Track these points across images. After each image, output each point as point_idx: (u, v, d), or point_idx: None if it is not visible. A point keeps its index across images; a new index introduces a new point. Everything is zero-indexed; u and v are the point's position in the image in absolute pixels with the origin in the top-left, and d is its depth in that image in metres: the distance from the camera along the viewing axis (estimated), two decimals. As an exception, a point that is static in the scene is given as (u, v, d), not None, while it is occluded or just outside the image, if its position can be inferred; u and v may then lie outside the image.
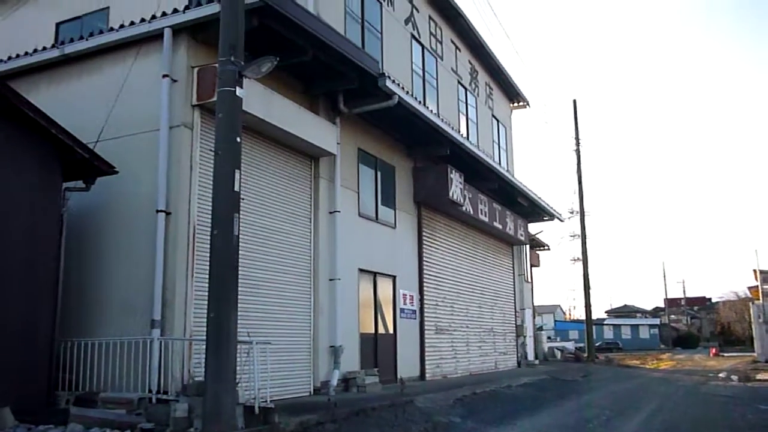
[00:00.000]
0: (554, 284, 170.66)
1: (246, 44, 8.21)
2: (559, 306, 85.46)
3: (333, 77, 12.66)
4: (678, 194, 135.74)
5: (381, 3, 16.40)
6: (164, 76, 10.10)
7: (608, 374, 24.69)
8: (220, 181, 7.83)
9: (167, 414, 7.95)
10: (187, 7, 10.26)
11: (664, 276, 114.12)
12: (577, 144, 35.22)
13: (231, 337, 7.50)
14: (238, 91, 7.96)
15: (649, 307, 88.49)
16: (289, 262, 12.18)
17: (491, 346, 21.61)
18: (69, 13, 14.32)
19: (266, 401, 8.47)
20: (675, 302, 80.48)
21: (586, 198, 38.51)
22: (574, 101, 43.42)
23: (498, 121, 25.14)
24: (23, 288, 8.84)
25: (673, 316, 78.70)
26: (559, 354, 33.58)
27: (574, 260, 36.49)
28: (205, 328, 7.74)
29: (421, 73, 18.43)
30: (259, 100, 10.68)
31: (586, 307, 34.56)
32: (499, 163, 21.97)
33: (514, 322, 24.10)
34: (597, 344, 42.23)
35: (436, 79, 19.49)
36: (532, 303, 28.12)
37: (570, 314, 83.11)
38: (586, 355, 34.21)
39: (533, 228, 27.44)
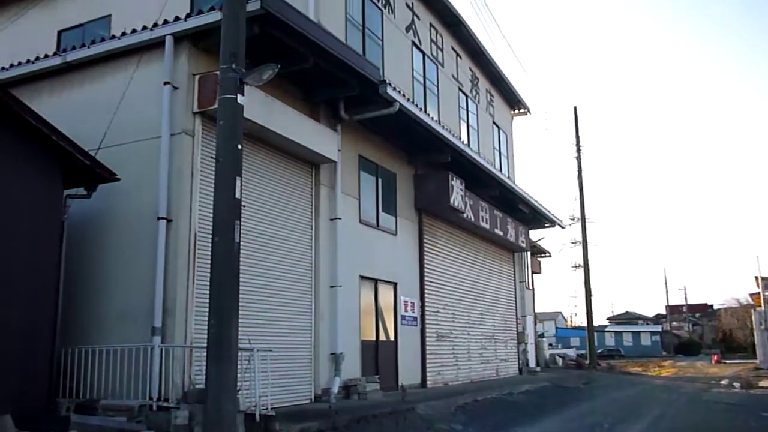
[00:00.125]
0: (556, 291, 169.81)
1: (247, 52, 8.22)
2: (561, 313, 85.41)
3: (334, 84, 12.69)
4: (679, 201, 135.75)
5: (382, 10, 16.45)
6: (165, 83, 10.12)
7: (610, 381, 24.64)
8: (221, 188, 7.82)
9: (168, 421, 7.95)
10: (188, 15, 10.32)
11: (666, 283, 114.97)
12: (578, 151, 35.30)
13: (232, 344, 7.48)
14: (239, 99, 7.96)
15: (650, 314, 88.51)
16: (289, 269, 12.17)
17: (492, 353, 21.56)
18: (71, 21, 14.42)
19: (267, 409, 8.48)
20: (677, 309, 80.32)
21: (587, 204, 38.50)
22: (575, 108, 43.63)
23: (499, 127, 25.19)
24: (24, 295, 8.81)
25: (674, 323, 78.49)
26: (560, 361, 33.52)
27: (576, 267, 36.41)
28: (206, 336, 7.71)
29: (422, 80, 18.46)
30: (260, 107, 10.69)
31: (587, 314, 34.53)
32: (500, 170, 22.01)
33: (515, 329, 24.04)
34: (598, 351, 42.10)
35: (437, 86, 19.54)
36: (534, 310, 28.11)
37: (571, 321, 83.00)
38: (587, 362, 34.13)
39: (534, 235, 27.47)
